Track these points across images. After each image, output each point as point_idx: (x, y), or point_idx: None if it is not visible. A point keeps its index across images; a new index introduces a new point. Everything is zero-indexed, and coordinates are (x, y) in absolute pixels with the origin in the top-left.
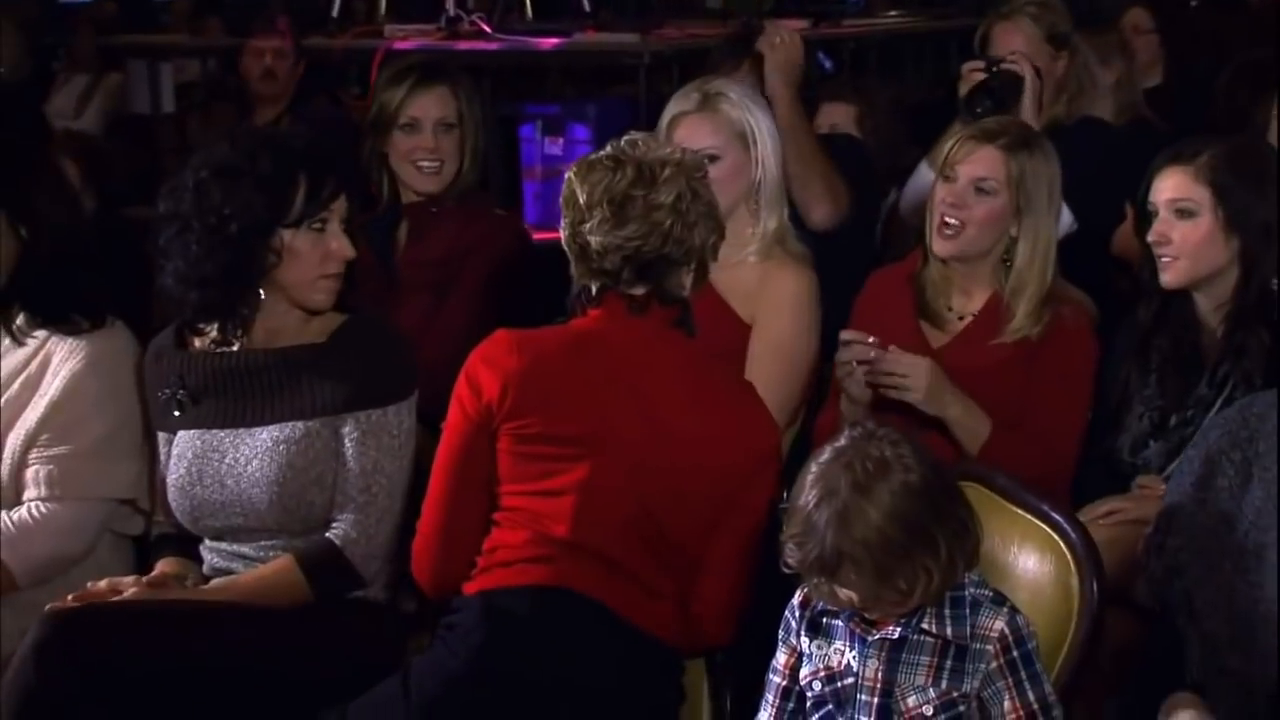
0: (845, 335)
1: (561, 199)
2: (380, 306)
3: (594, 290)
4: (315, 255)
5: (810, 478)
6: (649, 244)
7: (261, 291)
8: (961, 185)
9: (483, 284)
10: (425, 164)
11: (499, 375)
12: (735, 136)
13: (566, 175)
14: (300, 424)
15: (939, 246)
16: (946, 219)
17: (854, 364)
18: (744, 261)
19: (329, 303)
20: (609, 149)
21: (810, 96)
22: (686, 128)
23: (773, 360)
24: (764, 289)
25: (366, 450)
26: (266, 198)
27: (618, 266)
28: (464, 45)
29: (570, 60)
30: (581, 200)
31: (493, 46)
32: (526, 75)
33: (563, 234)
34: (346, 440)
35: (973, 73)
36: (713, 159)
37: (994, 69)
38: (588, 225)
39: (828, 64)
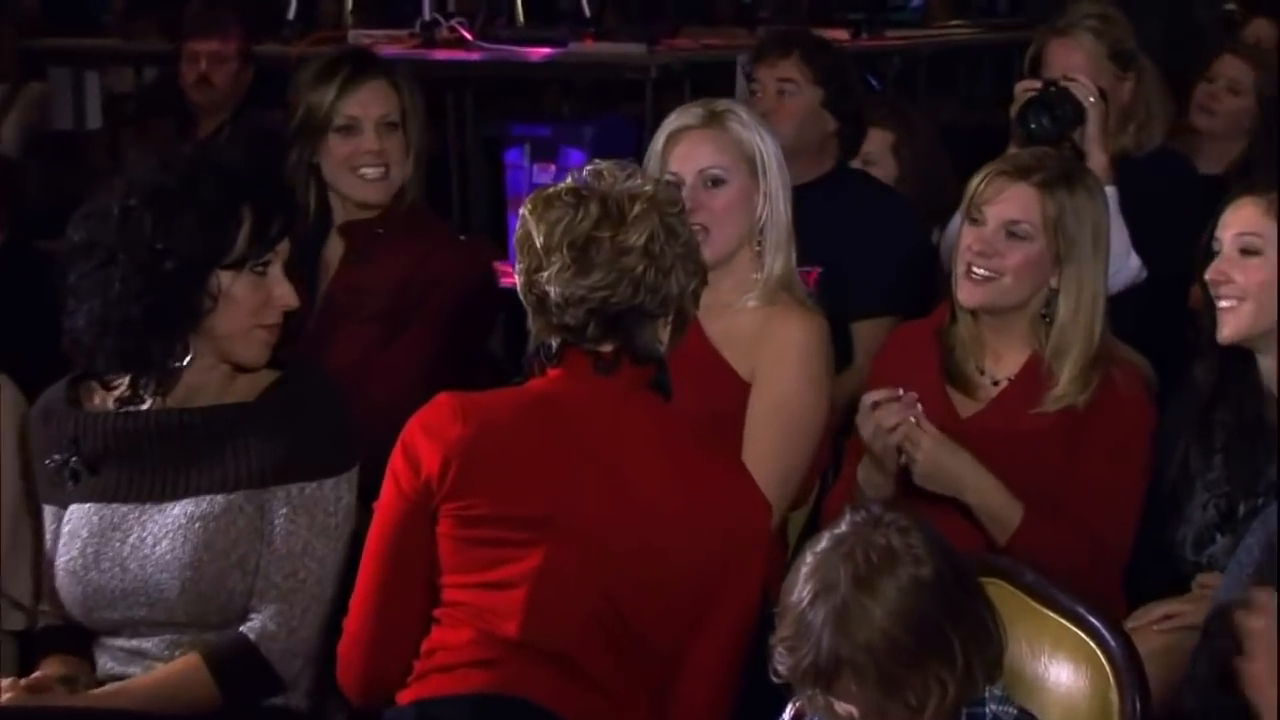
0: (872, 397)
1: (515, 240)
2: (305, 341)
3: (554, 347)
4: (254, 302)
5: (805, 570)
6: (618, 294)
7: (190, 341)
8: (990, 229)
9: (444, 323)
10: (369, 170)
11: (440, 447)
12: (743, 160)
13: (520, 212)
14: (220, 498)
15: (966, 293)
16: (974, 268)
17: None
18: (743, 308)
19: (262, 358)
20: (570, 181)
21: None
22: (687, 144)
23: (775, 423)
24: (765, 338)
25: (296, 530)
26: (207, 233)
27: (581, 321)
28: (442, 55)
29: (565, 73)
30: (538, 243)
31: (475, 56)
32: (514, 91)
33: (517, 281)
34: (274, 518)
35: (1027, 92)
36: (716, 182)
37: (1051, 86)
38: (545, 273)
39: (875, 84)
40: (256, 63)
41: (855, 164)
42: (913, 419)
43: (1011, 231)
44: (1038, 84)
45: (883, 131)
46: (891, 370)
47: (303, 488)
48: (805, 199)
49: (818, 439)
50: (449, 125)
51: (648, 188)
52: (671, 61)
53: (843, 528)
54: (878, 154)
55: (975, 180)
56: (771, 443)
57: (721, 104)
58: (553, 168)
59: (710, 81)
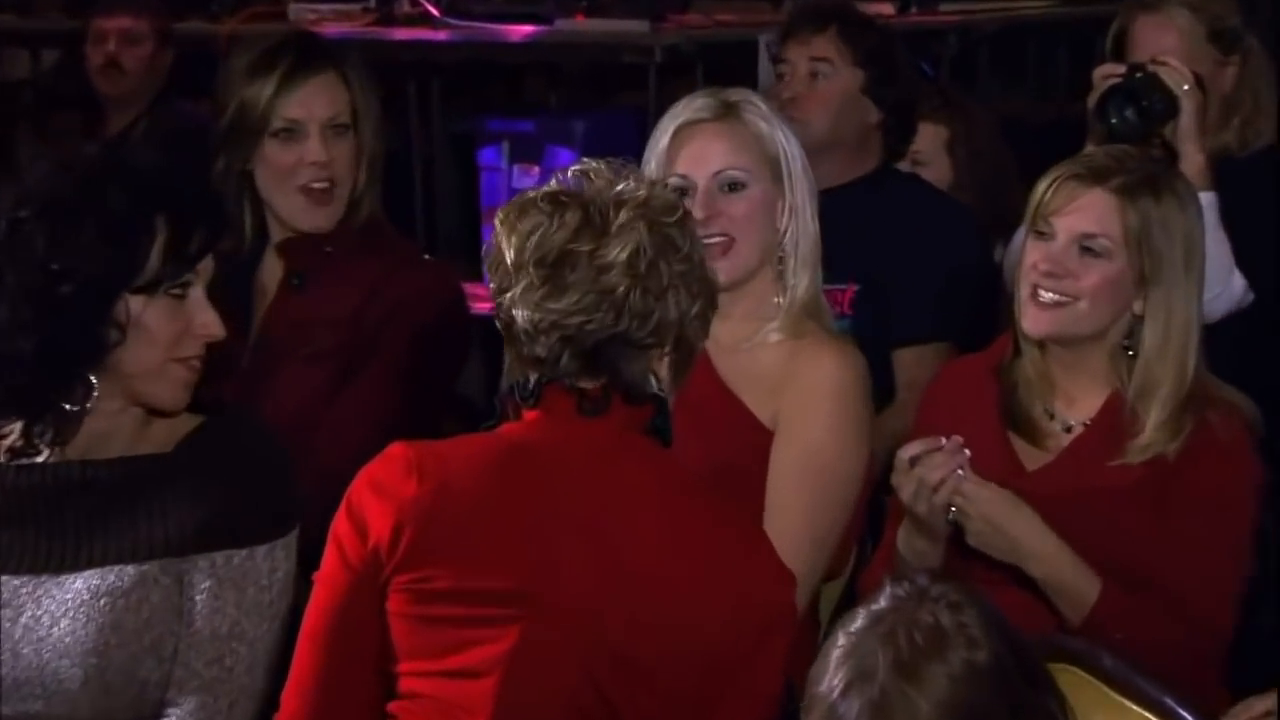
0: (909, 451)
1: (485, 257)
2: (237, 385)
3: (530, 384)
4: (171, 332)
5: (836, 655)
6: (595, 320)
7: (94, 380)
8: (1060, 245)
9: (404, 363)
10: (316, 184)
11: (392, 507)
12: (765, 161)
13: (495, 221)
14: (130, 569)
15: (1032, 321)
16: (1041, 290)
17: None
18: (764, 341)
19: (182, 400)
20: (553, 183)
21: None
22: (699, 142)
23: (804, 478)
24: (791, 377)
25: (222, 607)
26: (113, 249)
27: (554, 352)
28: (402, 34)
29: (551, 57)
30: (507, 256)
31: (442, 37)
32: (490, 78)
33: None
34: (195, 592)
35: (1107, 79)
36: (735, 186)
37: (1137, 72)
38: (511, 293)
39: (927, 70)
40: (177, 44)
41: (903, 166)
42: (960, 470)
43: (1086, 247)
44: (1121, 69)
45: (935, 126)
46: (941, 415)
47: (230, 556)
48: (840, 203)
49: (855, 497)
50: (411, 120)
51: (640, 192)
52: (680, 42)
53: (881, 603)
54: (929, 153)
55: (1042, 186)
56: (800, 502)
57: (735, 93)
58: (536, 170)
59: (726, 66)
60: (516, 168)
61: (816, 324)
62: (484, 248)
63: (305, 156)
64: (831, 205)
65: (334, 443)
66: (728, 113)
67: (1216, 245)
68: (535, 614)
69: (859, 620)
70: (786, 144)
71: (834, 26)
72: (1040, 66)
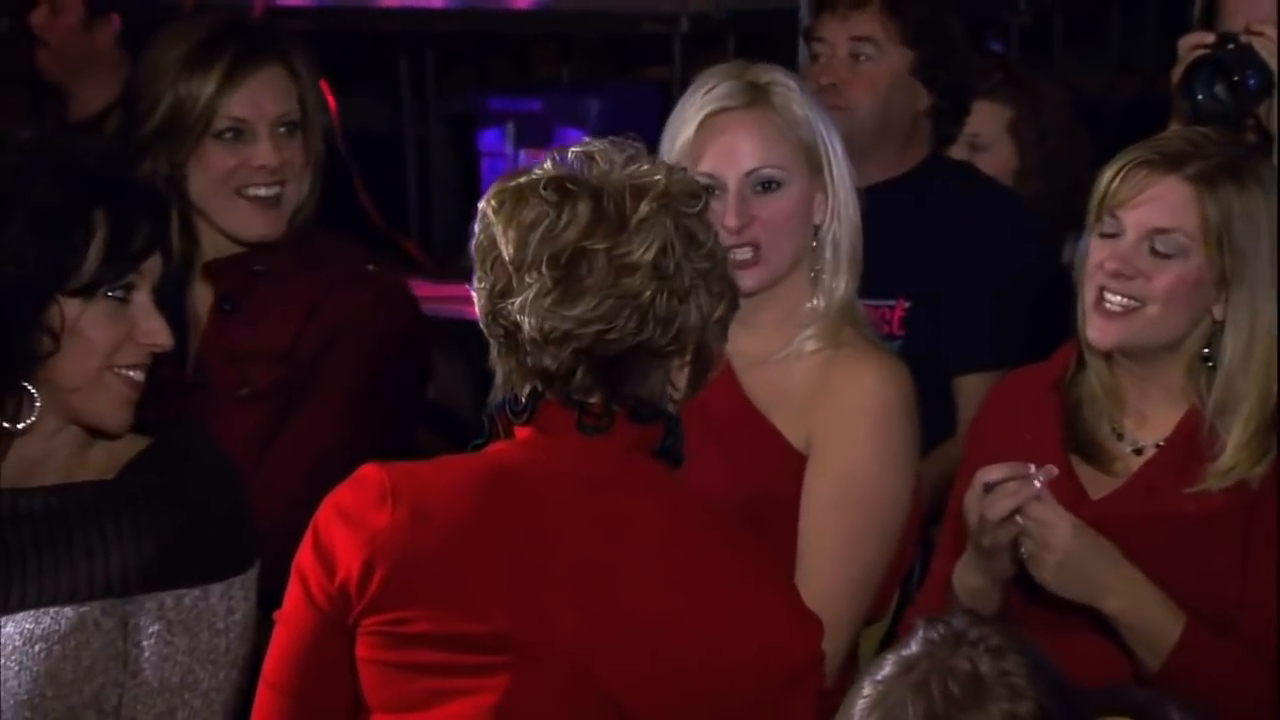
0: (988, 475)
1: (474, 247)
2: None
3: (524, 397)
4: (112, 340)
5: (862, 706)
6: (617, 328)
7: (32, 392)
8: (1129, 241)
9: (357, 390)
10: (261, 190)
11: (362, 539)
12: (802, 151)
13: (480, 209)
14: (69, 610)
15: (1098, 329)
16: (1107, 294)
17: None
18: (798, 352)
19: (124, 418)
20: (549, 166)
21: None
22: (730, 136)
23: (842, 509)
24: (826, 393)
25: (172, 654)
26: (44, 248)
27: (567, 365)
28: (391, 1)
29: (562, 27)
30: (506, 254)
31: (438, 3)
32: (491, 51)
33: (478, 305)
34: (142, 637)
35: (1195, 50)
36: (770, 185)
37: (1229, 43)
38: (518, 298)
39: (995, 45)
40: (143, 18)
41: (958, 153)
42: (1038, 498)
43: (1158, 246)
44: (1211, 39)
45: (996, 106)
46: (994, 436)
47: (181, 597)
48: (884, 204)
49: (899, 531)
50: (403, 99)
51: (658, 177)
52: (709, 9)
53: (913, 648)
54: (990, 137)
55: (1107, 174)
56: (836, 537)
57: (763, 72)
58: (544, 154)
59: (762, 36)
60: (523, 152)
61: (855, 332)
62: (476, 234)
63: (253, 159)
64: (874, 207)
65: (267, 494)
66: (757, 98)
67: None
68: (524, 662)
69: (887, 667)
70: (825, 130)
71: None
72: (1124, 37)
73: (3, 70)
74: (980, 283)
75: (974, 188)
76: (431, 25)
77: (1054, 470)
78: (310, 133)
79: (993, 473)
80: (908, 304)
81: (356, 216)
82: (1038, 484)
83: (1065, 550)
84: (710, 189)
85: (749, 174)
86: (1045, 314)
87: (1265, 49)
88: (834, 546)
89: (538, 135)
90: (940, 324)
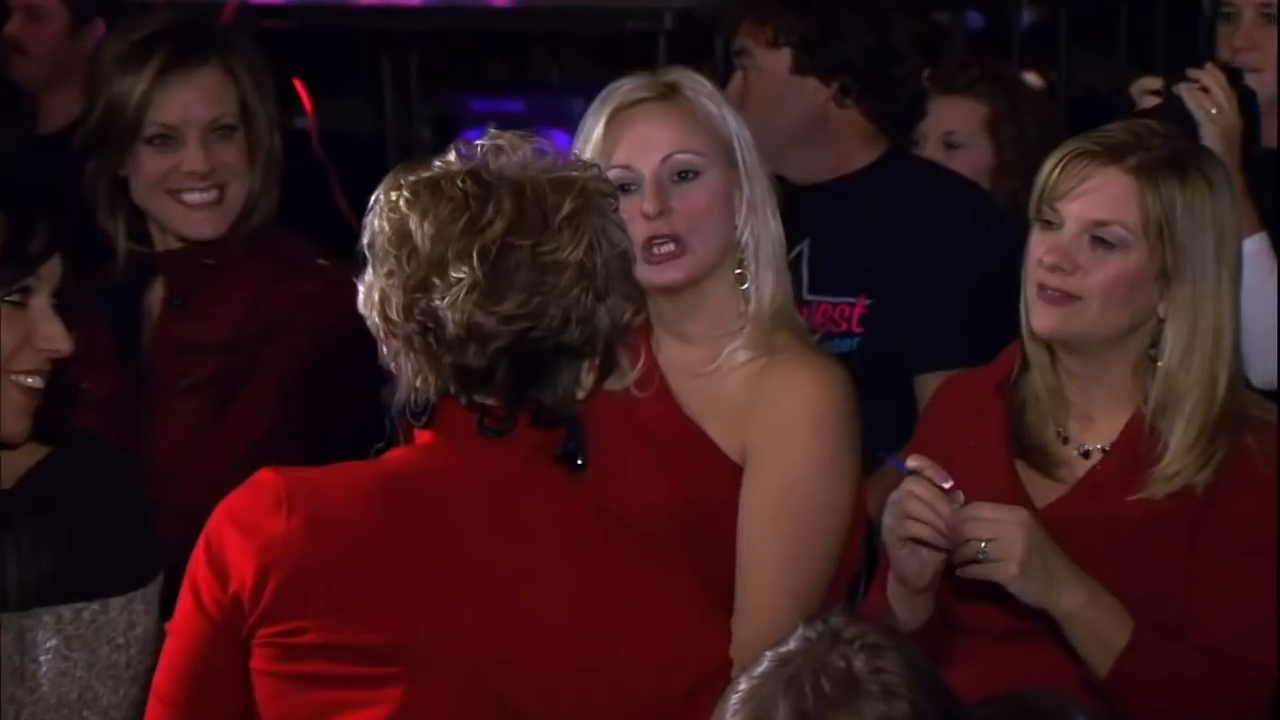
0: (914, 462)
1: (374, 237)
2: (120, 421)
3: (426, 399)
4: (7, 345)
5: (734, 700)
6: (542, 326)
7: None
8: (1069, 234)
9: (294, 381)
10: (195, 195)
11: (256, 546)
12: (719, 144)
13: (383, 199)
14: None
15: (1039, 319)
16: (1048, 287)
17: (916, 521)
18: (729, 363)
19: (22, 426)
20: (452, 157)
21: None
22: (642, 126)
23: (781, 519)
24: (762, 401)
25: (71, 669)
26: None
27: (487, 363)
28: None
29: (546, 26)
30: (422, 247)
31: (419, 2)
32: (473, 50)
33: (373, 300)
34: (39, 652)
35: (1145, 94)
36: (688, 175)
37: (1170, 90)
38: (443, 294)
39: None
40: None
41: (934, 151)
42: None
43: (1098, 237)
44: (1158, 85)
45: (972, 102)
46: (938, 441)
47: (79, 611)
48: (837, 200)
49: (842, 539)
50: (385, 99)
51: (574, 173)
52: (694, 5)
53: (790, 645)
54: (966, 134)
55: (1049, 164)
56: (777, 548)
57: (674, 72)
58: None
59: None
60: None
61: (789, 335)
62: (373, 224)
63: (182, 165)
64: (831, 202)
65: (198, 483)
66: (670, 92)
67: (1266, 299)
68: (421, 671)
69: (763, 664)
70: (738, 128)
71: (745, 12)
72: (1133, 31)
73: None
74: (945, 278)
75: (936, 182)
76: (414, 25)
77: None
78: (256, 132)
79: (917, 461)
80: (868, 301)
81: (334, 219)
82: (961, 498)
83: (1027, 546)
84: (626, 185)
85: (665, 160)
86: (1012, 310)
87: (1192, 100)
88: (774, 559)
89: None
90: (903, 321)
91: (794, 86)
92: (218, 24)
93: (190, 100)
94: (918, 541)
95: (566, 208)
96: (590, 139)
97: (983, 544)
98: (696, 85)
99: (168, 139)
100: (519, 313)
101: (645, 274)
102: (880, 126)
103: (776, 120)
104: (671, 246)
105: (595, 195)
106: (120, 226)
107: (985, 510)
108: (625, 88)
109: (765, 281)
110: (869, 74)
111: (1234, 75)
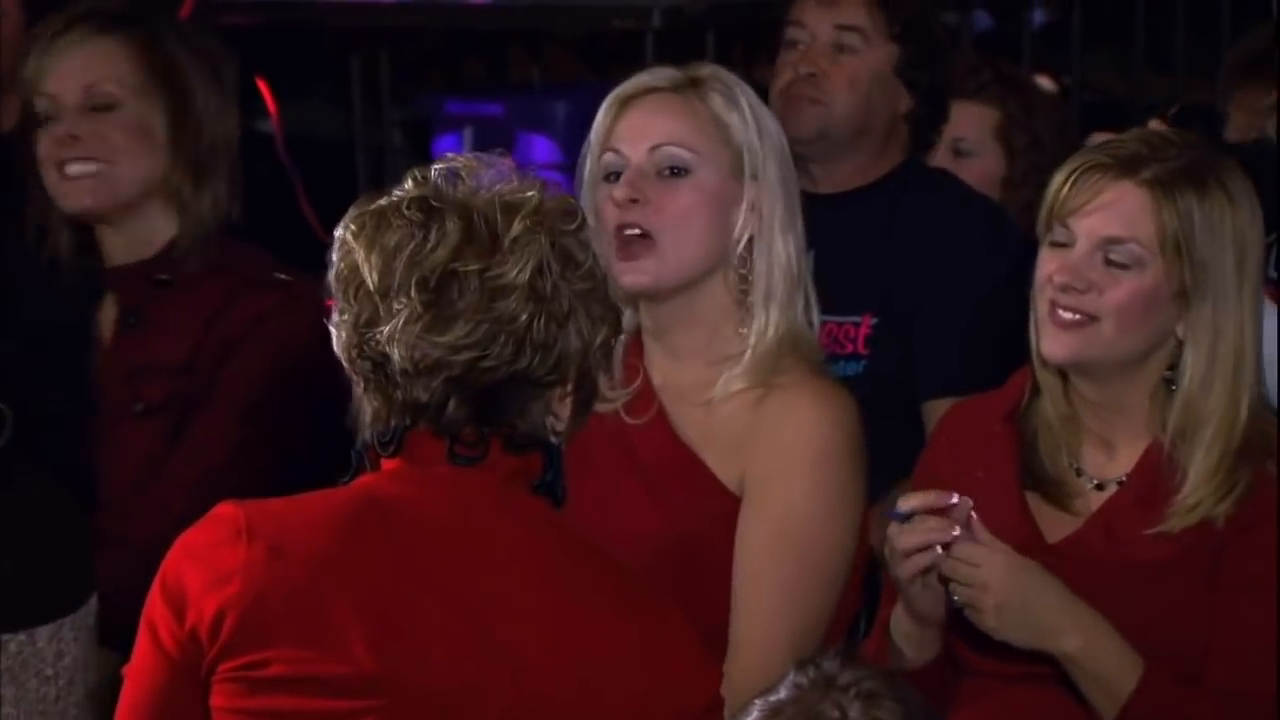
0: (907, 504)
1: (333, 278)
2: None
3: (391, 429)
4: None
5: None
6: (492, 355)
7: None
8: (1081, 252)
9: (253, 403)
10: (75, 167)
11: (213, 579)
12: (725, 149)
13: (337, 234)
14: None
15: (1050, 344)
16: (1060, 308)
17: (920, 553)
18: (725, 391)
19: None
20: (410, 185)
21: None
22: (644, 112)
23: (780, 554)
24: (763, 430)
25: None
26: None
27: (439, 396)
28: None
29: (526, 24)
30: (370, 280)
31: None
32: (448, 49)
33: (338, 340)
34: None
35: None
36: (676, 171)
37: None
38: (386, 327)
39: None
40: None
41: (942, 159)
42: (957, 532)
43: (1112, 257)
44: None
45: (983, 108)
46: (944, 471)
47: (5, 643)
48: (853, 213)
49: (843, 576)
50: (354, 101)
51: (530, 193)
52: (684, 3)
53: (781, 694)
54: (975, 141)
55: (1058, 178)
56: (775, 585)
57: (706, 68)
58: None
59: (743, 32)
60: None
61: (795, 361)
62: (334, 261)
63: (56, 133)
64: (839, 216)
65: (152, 513)
66: (688, 86)
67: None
68: (392, 705)
69: (753, 713)
70: (759, 140)
71: None
72: (1151, 32)
73: None
74: (956, 299)
75: (948, 198)
76: (386, 23)
77: (969, 501)
78: (190, 117)
79: (911, 501)
80: (874, 321)
81: (298, 228)
82: (956, 532)
83: (1002, 589)
84: (616, 172)
85: (653, 150)
86: (1024, 333)
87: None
88: (771, 596)
89: (498, 141)
90: (910, 343)
91: (889, 85)
92: (142, 7)
93: (68, 70)
94: (926, 572)
95: (515, 229)
96: (597, 124)
97: (955, 593)
98: (720, 85)
99: (50, 115)
100: (466, 342)
101: (618, 274)
102: (913, 141)
103: (856, 106)
104: (637, 232)
105: (552, 215)
106: (63, 237)
107: (963, 550)
108: (644, 77)
109: (773, 310)
110: (940, 98)
111: None
